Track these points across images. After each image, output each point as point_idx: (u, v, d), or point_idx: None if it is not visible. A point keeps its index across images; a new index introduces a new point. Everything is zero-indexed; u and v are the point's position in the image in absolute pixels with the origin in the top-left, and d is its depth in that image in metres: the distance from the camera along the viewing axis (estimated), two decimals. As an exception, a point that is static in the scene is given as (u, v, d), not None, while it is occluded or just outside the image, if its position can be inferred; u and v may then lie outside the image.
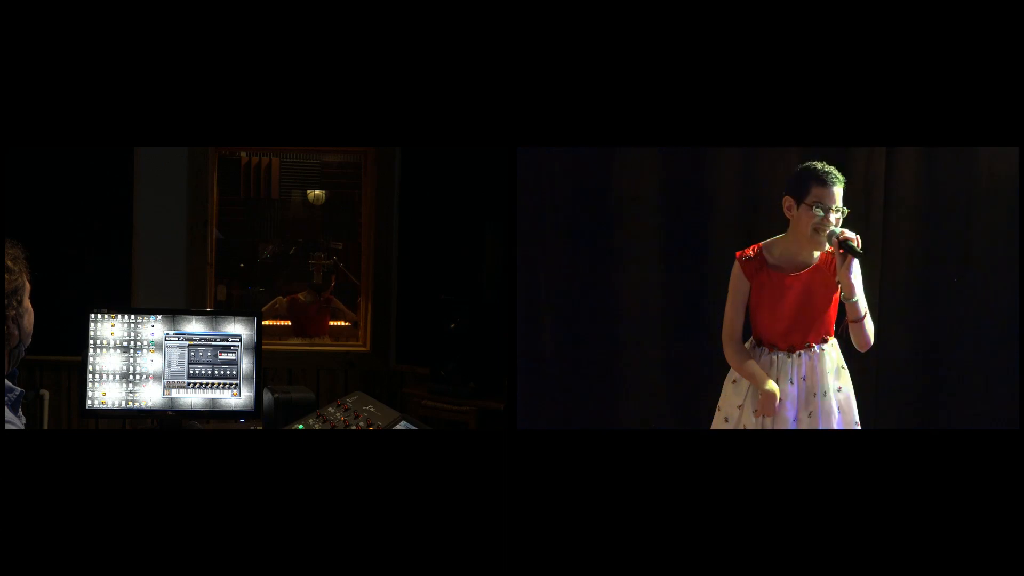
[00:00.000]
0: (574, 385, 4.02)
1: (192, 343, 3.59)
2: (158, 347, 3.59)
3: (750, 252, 3.21)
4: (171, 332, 3.59)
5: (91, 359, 3.57)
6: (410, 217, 5.25)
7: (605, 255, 3.99)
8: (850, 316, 3.08)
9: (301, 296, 5.87)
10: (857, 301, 3.07)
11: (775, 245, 3.19)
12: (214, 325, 3.61)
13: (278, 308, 5.95)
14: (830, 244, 3.07)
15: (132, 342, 3.58)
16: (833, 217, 3.06)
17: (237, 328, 3.62)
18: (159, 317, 3.60)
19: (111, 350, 3.58)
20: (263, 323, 3.78)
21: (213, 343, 3.60)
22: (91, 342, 3.57)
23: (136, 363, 3.58)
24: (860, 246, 3.04)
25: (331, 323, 5.75)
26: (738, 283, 3.22)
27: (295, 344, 5.52)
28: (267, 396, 3.63)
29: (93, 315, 3.58)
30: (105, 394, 3.56)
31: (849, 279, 3.05)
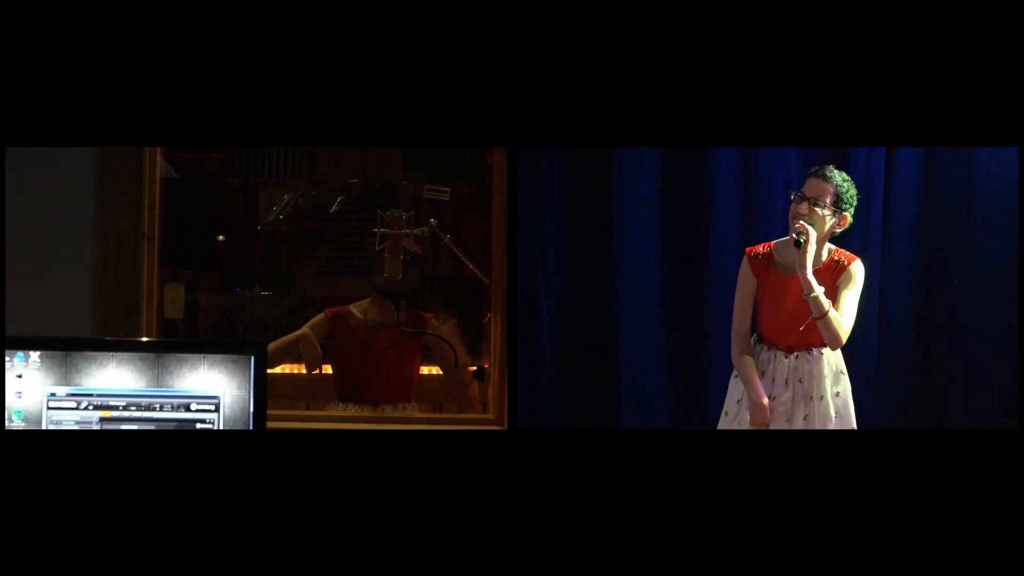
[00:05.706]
0: (574, 385, 4.02)
1: (111, 413, 1.85)
2: (33, 421, 1.90)
3: (760, 249, 3.23)
4: (62, 390, 1.85)
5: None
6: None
7: (605, 255, 4.00)
8: (813, 313, 3.06)
9: (356, 310, 3.38)
10: (817, 297, 3.05)
11: (784, 245, 3.21)
12: (158, 374, 1.86)
13: (306, 346, 3.10)
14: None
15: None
16: (803, 205, 3.07)
17: (210, 381, 1.92)
18: (36, 356, 1.89)
19: None
20: (269, 370, 2.00)
21: (158, 414, 1.88)
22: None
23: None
24: (805, 238, 3.03)
25: (423, 370, 3.15)
26: (745, 278, 3.24)
27: (342, 416, 2.96)
28: None
29: None
30: None
31: (804, 275, 3.03)
